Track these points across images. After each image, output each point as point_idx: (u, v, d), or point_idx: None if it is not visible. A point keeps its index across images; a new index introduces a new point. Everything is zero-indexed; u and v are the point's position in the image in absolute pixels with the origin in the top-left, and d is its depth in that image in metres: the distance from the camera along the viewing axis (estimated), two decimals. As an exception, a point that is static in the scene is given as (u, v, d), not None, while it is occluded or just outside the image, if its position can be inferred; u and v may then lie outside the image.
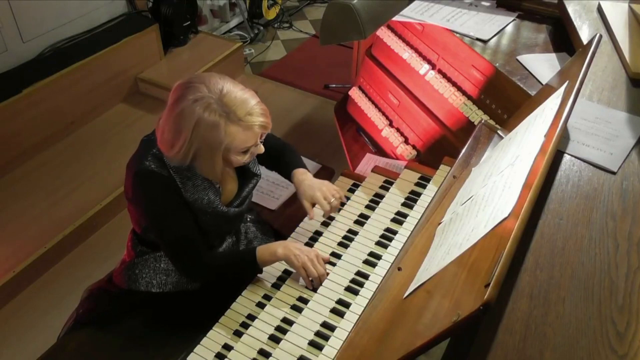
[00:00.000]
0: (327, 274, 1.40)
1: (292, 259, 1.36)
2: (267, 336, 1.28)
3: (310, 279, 1.37)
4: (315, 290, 1.37)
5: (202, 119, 1.22)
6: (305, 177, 1.55)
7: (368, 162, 2.05)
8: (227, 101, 1.24)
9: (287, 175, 1.59)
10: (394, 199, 1.61)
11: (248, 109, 1.26)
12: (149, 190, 1.34)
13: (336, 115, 2.51)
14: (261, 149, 1.35)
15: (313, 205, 1.52)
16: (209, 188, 1.38)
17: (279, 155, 1.63)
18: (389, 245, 1.47)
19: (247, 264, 1.40)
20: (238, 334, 1.30)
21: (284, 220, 1.85)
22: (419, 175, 1.68)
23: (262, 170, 2.02)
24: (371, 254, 1.45)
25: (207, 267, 1.41)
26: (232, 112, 1.24)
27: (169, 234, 1.37)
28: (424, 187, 1.64)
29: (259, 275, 1.42)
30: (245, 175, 1.51)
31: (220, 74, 1.31)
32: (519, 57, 1.82)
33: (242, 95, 1.27)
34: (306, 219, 1.56)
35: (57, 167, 2.73)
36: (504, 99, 1.73)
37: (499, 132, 1.54)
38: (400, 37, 2.15)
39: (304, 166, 1.60)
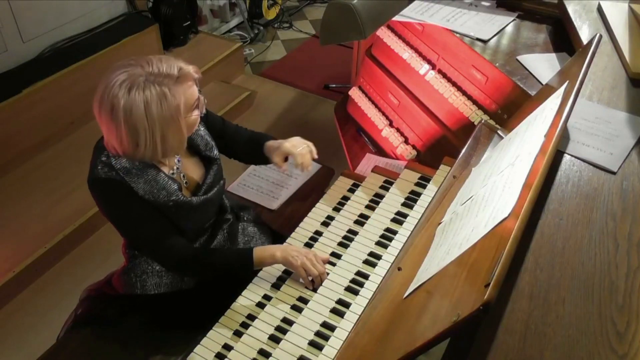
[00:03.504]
0: (327, 273, 1.40)
1: (291, 260, 1.36)
2: (267, 336, 1.28)
3: (310, 278, 1.37)
4: (315, 290, 1.37)
5: (148, 100, 1.19)
6: (278, 141, 1.56)
7: (368, 162, 2.05)
8: (155, 69, 1.21)
9: (261, 148, 1.58)
10: (394, 199, 1.61)
11: (174, 63, 1.23)
12: (104, 198, 1.32)
13: (336, 115, 2.51)
14: (202, 99, 1.32)
15: (285, 160, 1.54)
16: (165, 181, 1.34)
17: (247, 139, 1.62)
18: (389, 245, 1.47)
19: (241, 264, 1.39)
20: (238, 334, 1.30)
21: (284, 220, 1.85)
22: (419, 175, 1.68)
23: (261, 170, 2.04)
24: (371, 254, 1.45)
25: (194, 260, 1.38)
26: (167, 75, 1.21)
27: (137, 236, 1.36)
28: (424, 187, 1.64)
29: (259, 275, 1.42)
30: (208, 161, 1.49)
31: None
32: (519, 57, 1.82)
33: (159, 57, 1.25)
34: (306, 219, 1.57)
35: (57, 167, 2.73)
36: (504, 99, 1.73)
37: (499, 132, 1.54)
38: (400, 37, 2.15)
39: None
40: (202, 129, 1.48)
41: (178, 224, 1.40)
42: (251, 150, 1.61)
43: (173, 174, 1.39)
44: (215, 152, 1.50)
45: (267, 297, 1.37)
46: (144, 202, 1.32)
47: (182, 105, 1.24)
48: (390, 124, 2.17)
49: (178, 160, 1.42)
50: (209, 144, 1.49)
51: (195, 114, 1.30)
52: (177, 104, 1.22)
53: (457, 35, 1.93)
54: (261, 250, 1.39)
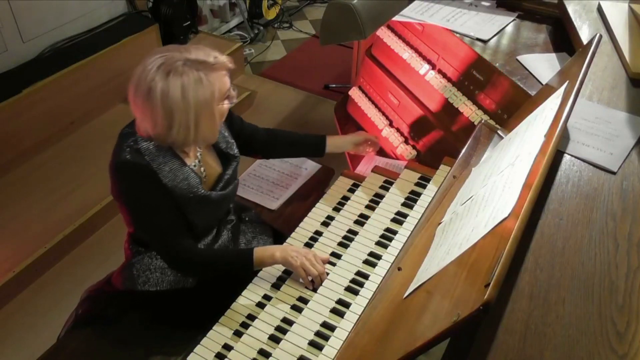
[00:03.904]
0: (327, 273, 1.40)
1: (290, 260, 1.37)
2: (267, 336, 1.28)
3: (310, 278, 1.37)
4: (315, 290, 1.37)
5: (185, 84, 1.23)
6: (346, 135, 1.83)
7: (368, 162, 2.05)
8: (193, 55, 1.25)
9: (322, 146, 1.72)
10: (394, 199, 1.61)
11: (210, 52, 1.28)
12: (128, 181, 1.34)
13: (336, 115, 2.51)
14: (233, 92, 1.36)
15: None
16: (188, 172, 1.37)
17: (281, 137, 1.75)
18: (389, 245, 1.47)
19: (242, 265, 1.39)
20: (238, 334, 1.30)
21: (284, 220, 1.85)
22: (419, 175, 1.68)
23: (261, 170, 2.04)
24: (371, 254, 1.45)
25: (196, 260, 1.39)
26: (204, 62, 1.25)
27: (150, 224, 1.37)
28: (424, 187, 1.64)
29: (259, 275, 1.42)
30: (226, 158, 1.52)
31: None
32: (519, 57, 1.81)
33: (196, 46, 1.30)
34: (306, 219, 1.57)
35: (57, 167, 2.73)
36: (504, 99, 1.73)
37: (499, 132, 1.54)
38: (400, 37, 2.15)
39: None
40: (223, 126, 1.50)
41: (191, 218, 1.41)
42: (281, 144, 1.74)
43: (195, 166, 1.41)
44: (236, 150, 1.53)
45: (267, 297, 1.37)
46: (166, 192, 1.34)
47: (217, 92, 1.27)
48: (390, 124, 2.17)
49: (199, 154, 1.43)
50: (229, 142, 1.51)
51: (227, 104, 1.34)
52: (212, 90, 1.26)
53: (457, 35, 1.93)
54: (261, 251, 1.39)
